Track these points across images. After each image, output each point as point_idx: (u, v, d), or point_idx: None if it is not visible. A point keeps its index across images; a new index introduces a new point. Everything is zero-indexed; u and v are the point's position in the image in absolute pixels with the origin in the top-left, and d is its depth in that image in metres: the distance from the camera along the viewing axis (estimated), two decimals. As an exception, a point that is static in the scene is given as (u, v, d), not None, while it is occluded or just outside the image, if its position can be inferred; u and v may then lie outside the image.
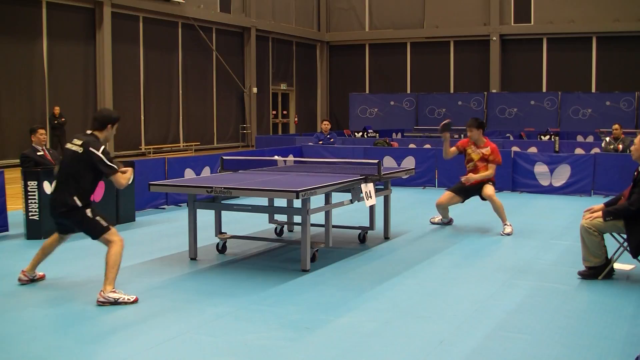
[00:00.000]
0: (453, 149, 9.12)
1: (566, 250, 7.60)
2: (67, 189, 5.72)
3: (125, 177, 5.85)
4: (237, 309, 5.42)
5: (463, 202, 9.13)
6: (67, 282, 6.31)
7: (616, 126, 14.12)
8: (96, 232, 5.75)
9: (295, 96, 32.34)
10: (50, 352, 4.52)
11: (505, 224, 8.72)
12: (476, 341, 4.69)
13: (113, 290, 5.56)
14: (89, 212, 5.73)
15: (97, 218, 5.76)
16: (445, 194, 9.10)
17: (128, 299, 5.56)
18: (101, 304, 5.50)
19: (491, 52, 29.77)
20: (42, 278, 6.31)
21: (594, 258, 6.27)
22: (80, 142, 5.75)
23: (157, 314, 5.33)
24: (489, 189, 8.83)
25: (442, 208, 9.13)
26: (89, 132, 5.89)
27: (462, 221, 9.44)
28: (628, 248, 6.14)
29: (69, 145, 5.84)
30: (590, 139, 20.96)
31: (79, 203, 5.69)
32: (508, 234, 8.61)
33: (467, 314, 5.32)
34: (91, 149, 5.67)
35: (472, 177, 8.83)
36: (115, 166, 5.77)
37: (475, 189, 8.97)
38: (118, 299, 5.53)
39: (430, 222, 9.43)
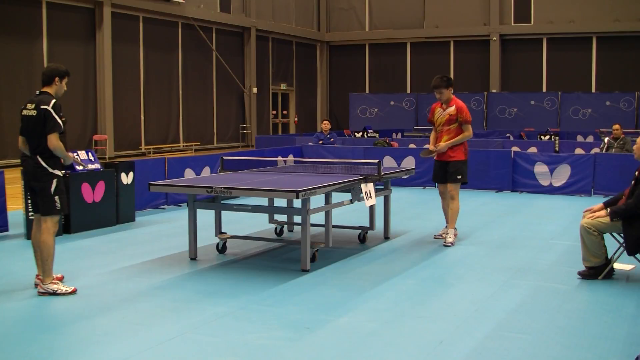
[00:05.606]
0: (432, 134, 8.13)
1: (566, 250, 7.59)
2: (33, 153, 5.80)
3: (59, 146, 5.74)
4: (237, 309, 5.42)
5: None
6: (66, 282, 6.29)
7: (616, 126, 14.13)
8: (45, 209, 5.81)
9: (295, 96, 32.33)
10: (49, 352, 4.52)
11: (449, 233, 7.95)
12: (476, 341, 4.69)
13: (52, 281, 5.83)
14: (54, 183, 5.80)
15: (56, 197, 5.83)
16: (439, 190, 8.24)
17: (66, 290, 5.80)
18: (41, 294, 5.77)
19: (491, 52, 29.77)
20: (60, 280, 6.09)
21: (594, 258, 6.27)
22: (32, 106, 5.81)
23: (157, 314, 5.33)
24: (454, 189, 7.89)
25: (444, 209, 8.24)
26: (38, 91, 5.94)
27: (460, 221, 9.42)
28: (625, 245, 6.13)
29: (25, 112, 5.87)
30: (590, 139, 20.97)
31: (44, 165, 5.77)
32: (450, 244, 7.84)
33: (467, 314, 5.32)
34: (42, 105, 5.74)
35: (441, 145, 7.81)
36: (60, 123, 5.75)
37: (442, 171, 7.96)
38: (57, 290, 5.78)
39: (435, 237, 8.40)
